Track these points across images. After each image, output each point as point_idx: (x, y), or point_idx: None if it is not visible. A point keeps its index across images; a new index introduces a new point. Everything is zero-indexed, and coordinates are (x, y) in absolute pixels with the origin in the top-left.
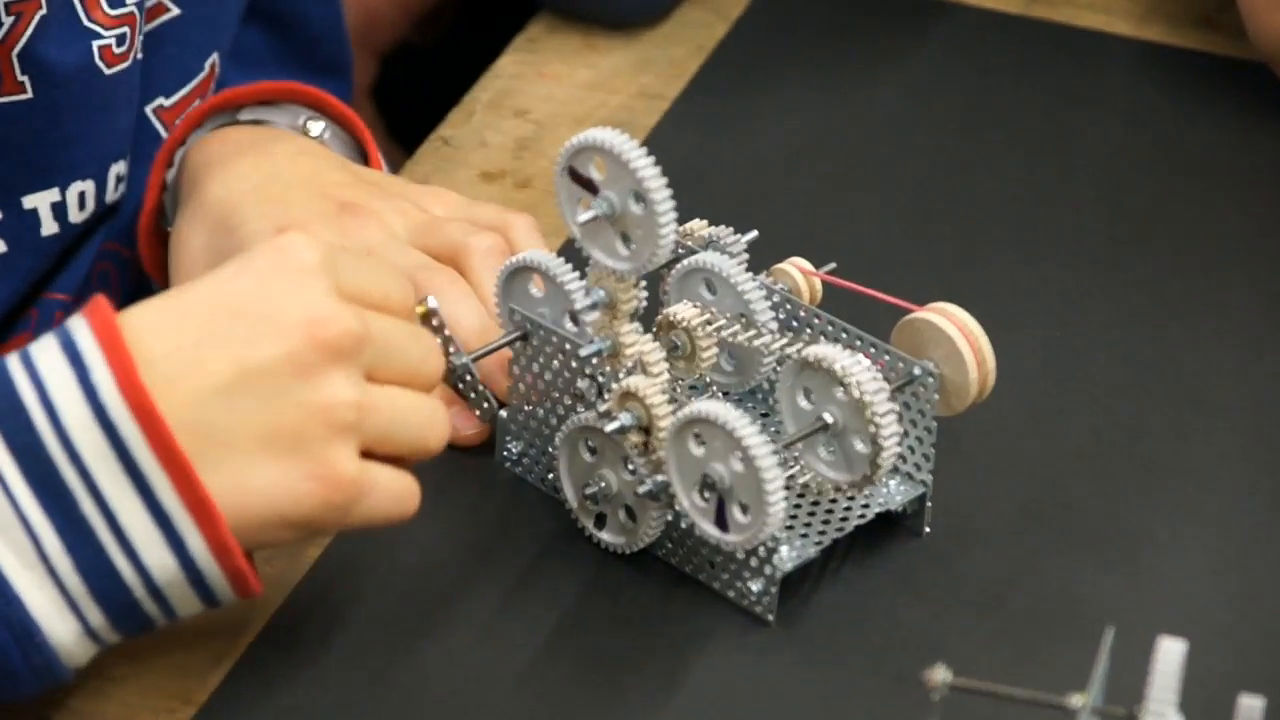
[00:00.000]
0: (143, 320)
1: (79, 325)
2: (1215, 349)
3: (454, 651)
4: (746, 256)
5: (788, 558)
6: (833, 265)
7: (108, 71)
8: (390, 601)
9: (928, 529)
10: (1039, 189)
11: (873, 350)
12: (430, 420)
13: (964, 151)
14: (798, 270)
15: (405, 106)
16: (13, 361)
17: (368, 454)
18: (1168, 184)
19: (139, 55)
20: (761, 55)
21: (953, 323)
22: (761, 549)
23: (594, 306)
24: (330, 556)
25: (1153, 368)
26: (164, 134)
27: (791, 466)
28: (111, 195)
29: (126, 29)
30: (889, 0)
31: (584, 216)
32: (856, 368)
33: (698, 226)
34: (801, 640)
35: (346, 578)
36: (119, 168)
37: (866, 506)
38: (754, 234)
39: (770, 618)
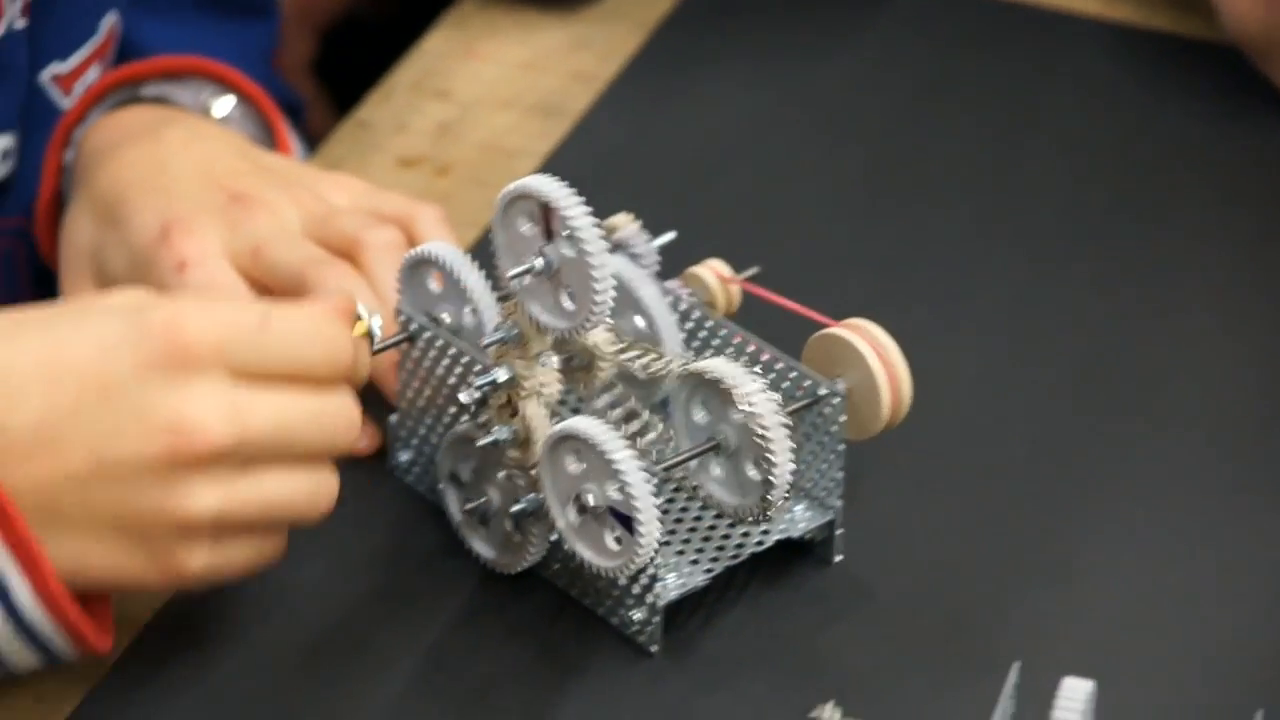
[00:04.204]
0: (10, 375)
1: None
2: (1168, 356)
3: (324, 673)
4: (659, 259)
5: (673, 586)
6: (755, 270)
7: None
8: (260, 619)
9: (839, 557)
10: (993, 182)
11: (780, 367)
12: (313, 494)
13: (915, 141)
14: (714, 275)
15: (350, 82)
16: None
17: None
18: (1132, 175)
19: (16, 25)
20: (705, 36)
21: (867, 341)
22: (644, 576)
23: (502, 341)
24: None
25: (1099, 377)
26: (61, 103)
27: (674, 490)
28: None
29: None
30: None
31: (515, 271)
32: (750, 384)
33: (622, 221)
34: (697, 667)
35: (213, 595)
36: (4, 141)
37: (766, 533)
38: (670, 236)
39: (654, 648)
